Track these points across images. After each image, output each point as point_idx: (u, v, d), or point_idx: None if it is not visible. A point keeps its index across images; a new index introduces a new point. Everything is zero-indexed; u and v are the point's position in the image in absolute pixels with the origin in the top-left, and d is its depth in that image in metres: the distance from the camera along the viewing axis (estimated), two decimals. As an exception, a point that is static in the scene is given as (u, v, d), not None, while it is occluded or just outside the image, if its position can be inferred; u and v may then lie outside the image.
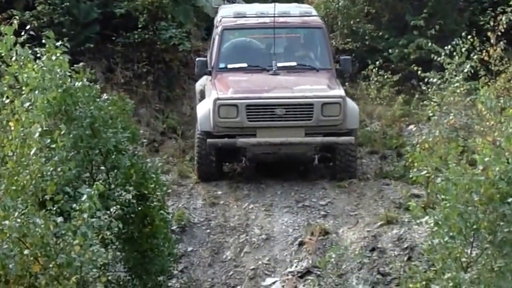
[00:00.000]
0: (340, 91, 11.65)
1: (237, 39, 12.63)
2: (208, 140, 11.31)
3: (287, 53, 12.61)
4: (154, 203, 8.93)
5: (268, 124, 11.34)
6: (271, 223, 10.87)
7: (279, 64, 12.05)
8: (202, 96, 12.60)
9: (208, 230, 10.94)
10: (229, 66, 12.23)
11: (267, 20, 12.46)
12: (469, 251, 7.74)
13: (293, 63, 12.29)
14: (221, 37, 12.36)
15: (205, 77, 12.64)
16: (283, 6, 13.36)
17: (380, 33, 16.31)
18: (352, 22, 16.65)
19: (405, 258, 9.93)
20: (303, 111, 11.33)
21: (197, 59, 12.72)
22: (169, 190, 10.47)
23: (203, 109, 11.66)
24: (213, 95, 11.49)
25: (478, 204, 7.61)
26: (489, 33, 13.57)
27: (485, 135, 11.13)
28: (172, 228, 10.21)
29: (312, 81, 11.88)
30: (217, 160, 11.66)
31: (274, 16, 12.26)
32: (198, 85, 13.16)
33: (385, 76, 14.53)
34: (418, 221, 8.60)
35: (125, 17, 14.52)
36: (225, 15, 12.88)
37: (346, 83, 14.39)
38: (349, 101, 11.75)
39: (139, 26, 14.47)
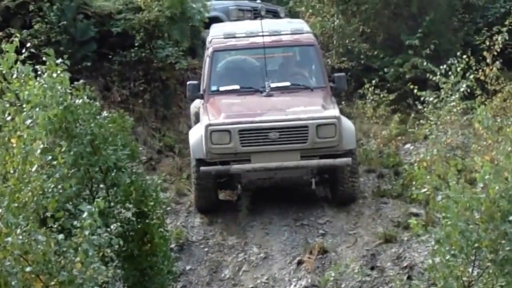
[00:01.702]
0: (335, 111, 11.32)
1: (228, 60, 12.36)
2: (201, 168, 10.97)
3: (280, 72, 12.33)
4: (154, 220, 8.90)
5: (262, 148, 10.96)
6: (270, 242, 10.84)
7: (272, 85, 11.72)
8: (197, 118, 12.32)
9: (207, 249, 10.91)
10: (221, 88, 11.91)
11: (258, 40, 12.19)
12: (470, 270, 7.69)
13: (287, 83, 11.97)
14: (211, 59, 12.09)
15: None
16: (274, 24, 13.11)
17: (376, 53, 16.38)
18: (347, 41, 16.71)
19: (405, 277, 9.89)
20: (298, 133, 10.98)
21: (188, 82, 12.38)
22: (168, 208, 10.48)
23: (195, 135, 11.36)
24: (205, 121, 11.18)
25: (479, 222, 7.58)
26: (484, 53, 13.71)
27: (482, 154, 11.19)
28: (171, 246, 10.15)
29: (306, 101, 11.55)
30: (215, 190, 11.42)
31: (263, 35, 12.03)
32: (193, 107, 12.92)
33: (381, 95, 14.62)
34: (419, 239, 8.61)
35: (122, 36, 14.50)
36: (215, 36, 12.60)
37: (343, 102, 14.46)
38: (344, 121, 11.44)
39: (136, 44, 14.46)
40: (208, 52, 12.28)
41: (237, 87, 11.94)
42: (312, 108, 11.27)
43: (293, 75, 12.33)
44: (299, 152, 11.00)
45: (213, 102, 11.63)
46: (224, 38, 12.41)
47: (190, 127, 13.16)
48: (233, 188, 11.47)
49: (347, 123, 11.48)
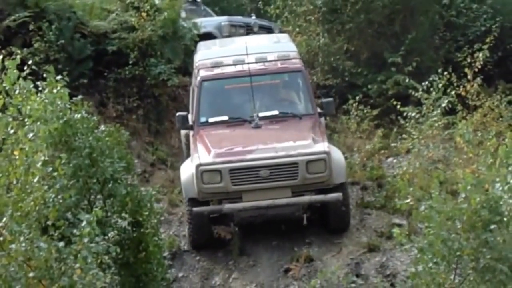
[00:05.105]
0: (324, 145, 11.03)
1: (216, 90, 12.04)
2: (194, 209, 10.84)
3: (268, 100, 11.99)
4: (148, 230, 9.15)
5: (253, 187, 10.74)
6: (258, 250, 11.05)
7: (261, 114, 11.56)
8: (188, 140, 12.28)
9: (198, 257, 11.13)
10: (210, 120, 11.75)
11: (245, 67, 11.96)
12: (452, 277, 7.72)
13: (275, 112, 11.78)
14: (199, 89, 11.92)
15: None
16: (260, 45, 12.88)
17: (359, 70, 16.59)
18: (332, 59, 16.92)
19: (388, 285, 10.12)
20: (288, 170, 10.76)
21: (177, 114, 12.11)
22: (162, 218, 10.70)
23: (186, 173, 11.16)
24: (195, 159, 11.01)
25: (461, 231, 7.60)
26: (466, 70, 13.92)
27: (463, 167, 11.45)
28: (164, 254, 10.29)
29: (295, 135, 11.32)
30: (209, 227, 11.31)
31: (249, 63, 11.95)
32: (183, 130, 12.70)
33: (365, 111, 14.76)
34: (402, 248, 8.80)
35: (117, 54, 14.76)
36: (202, 63, 12.38)
37: (327, 118, 14.66)
38: (334, 154, 11.13)
39: (130, 62, 14.71)
40: (196, 81, 12.17)
41: (225, 118, 11.77)
42: (301, 143, 11.04)
43: (281, 103, 12.16)
44: (290, 189, 10.82)
45: (203, 136, 11.46)
46: (211, 66, 12.23)
47: (181, 141, 13.42)
48: (226, 224, 11.32)
49: (337, 156, 11.23)
